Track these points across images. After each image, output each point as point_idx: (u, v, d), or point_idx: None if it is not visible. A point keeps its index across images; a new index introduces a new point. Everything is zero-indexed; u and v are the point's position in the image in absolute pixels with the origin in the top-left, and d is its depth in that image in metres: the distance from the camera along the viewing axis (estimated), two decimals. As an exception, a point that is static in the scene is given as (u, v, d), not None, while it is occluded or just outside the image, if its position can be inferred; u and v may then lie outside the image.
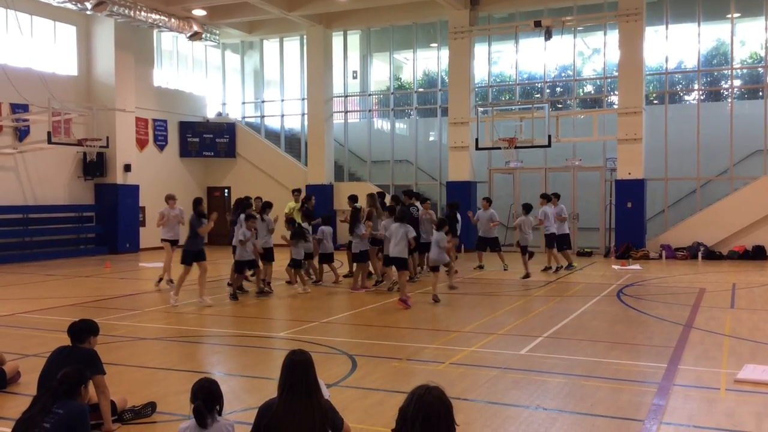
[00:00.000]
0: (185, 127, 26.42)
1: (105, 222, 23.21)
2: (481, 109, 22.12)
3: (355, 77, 27.10)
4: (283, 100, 27.81)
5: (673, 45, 22.57)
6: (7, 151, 20.66)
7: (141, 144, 24.57)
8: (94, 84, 23.25)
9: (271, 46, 28.11)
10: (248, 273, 14.26)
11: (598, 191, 22.45)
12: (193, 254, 12.62)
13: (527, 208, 16.57)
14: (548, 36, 21.49)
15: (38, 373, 5.73)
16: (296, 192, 17.28)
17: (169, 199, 15.41)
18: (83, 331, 5.88)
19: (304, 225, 14.60)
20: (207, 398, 4.45)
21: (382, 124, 27.50)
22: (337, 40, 26.23)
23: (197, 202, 12.91)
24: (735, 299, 12.93)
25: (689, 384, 7.14)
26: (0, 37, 20.66)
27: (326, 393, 4.58)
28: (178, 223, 15.27)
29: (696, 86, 22.89)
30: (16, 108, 20.70)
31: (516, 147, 20.34)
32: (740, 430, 5.75)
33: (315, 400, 4.10)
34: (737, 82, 23.17)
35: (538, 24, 21.32)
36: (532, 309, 11.88)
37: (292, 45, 27.57)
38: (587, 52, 25.42)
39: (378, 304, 12.49)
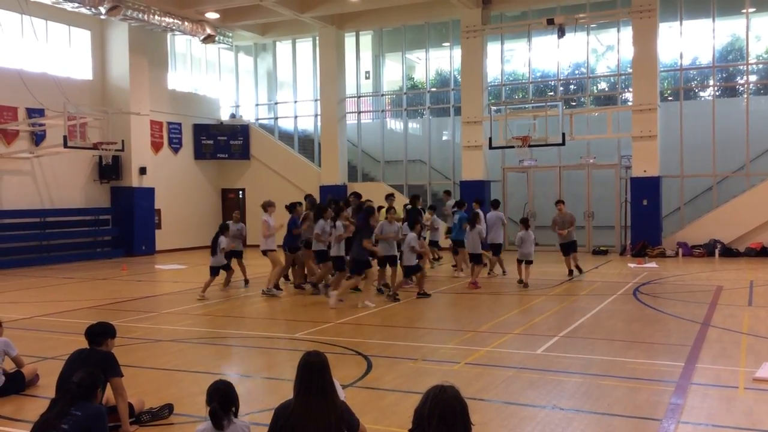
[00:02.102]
0: (199, 130, 26.55)
1: (121, 225, 23.37)
2: (495, 107, 22.07)
3: (367, 77, 27.11)
4: (296, 102, 27.87)
5: (688, 41, 22.40)
6: (24, 156, 20.87)
7: (156, 147, 24.72)
8: (109, 88, 23.42)
9: (283, 47, 28.18)
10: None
11: (613, 189, 22.35)
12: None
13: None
14: (561, 33, 21.41)
15: (56, 375, 5.77)
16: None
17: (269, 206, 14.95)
18: (100, 333, 5.91)
19: None
20: (222, 400, 4.48)
21: (395, 124, 27.50)
22: (349, 40, 26.26)
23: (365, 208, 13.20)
24: (753, 297, 12.82)
25: (707, 383, 7.08)
26: (16, 42, 20.85)
27: (342, 394, 4.59)
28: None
29: (711, 82, 22.72)
30: (32, 112, 20.89)
31: (530, 145, 20.28)
32: (759, 429, 5.70)
33: (331, 401, 4.11)
34: (753, 78, 22.96)
35: (550, 22, 21.24)
36: (548, 308, 11.84)
37: (305, 46, 27.63)
38: (601, 49, 25.29)
39: (392, 305, 12.49)
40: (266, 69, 28.70)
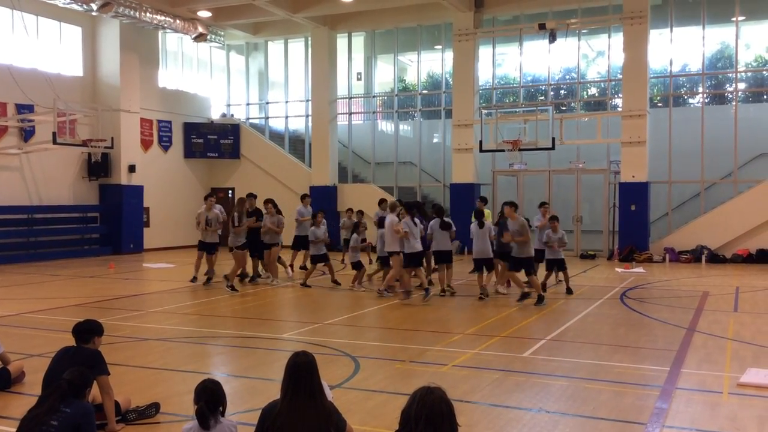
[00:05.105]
0: (190, 128, 26.48)
1: (109, 222, 23.26)
2: (485, 111, 22.11)
3: (359, 79, 27.12)
4: (287, 102, 27.84)
5: (678, 48, 22.54)
6: (13, 152, 20.73)
7: (145, 145, 24.63)
8: (99, 85, 23.31)
9: (275, 47, 28.15)
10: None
11: (601, 194, 22.46)
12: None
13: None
14: (552, 38, 21.49)
15: (43, 373, 5.76)
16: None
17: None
18: (87, 331, 5.91)
19: None
20: (210, 399, 4.48)
21: (386, 125, 27.53)
22: (341, 41, 26.26)
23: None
24: (738, 303, 12.92)
25: (692, 387, 7.14)
26: (6, 37, 20.73)
27: (329, 395, 4.60)
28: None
29: (700, 89, 22.87)
30: (21, 108, 20.77)
31: (520, 149, 20.31)
32: (743, 434, 5.75)
33: (318, 402, 4.12)
34: (742, 86, 23.14)
35: (542, 26, 21.32)
36: (535, 312, 11.88)
37: (297, 46, 27.61)
38: (591, 55, 25.42)
39: (381, 306, 12.51)
40: (258, 68, 28.65)
